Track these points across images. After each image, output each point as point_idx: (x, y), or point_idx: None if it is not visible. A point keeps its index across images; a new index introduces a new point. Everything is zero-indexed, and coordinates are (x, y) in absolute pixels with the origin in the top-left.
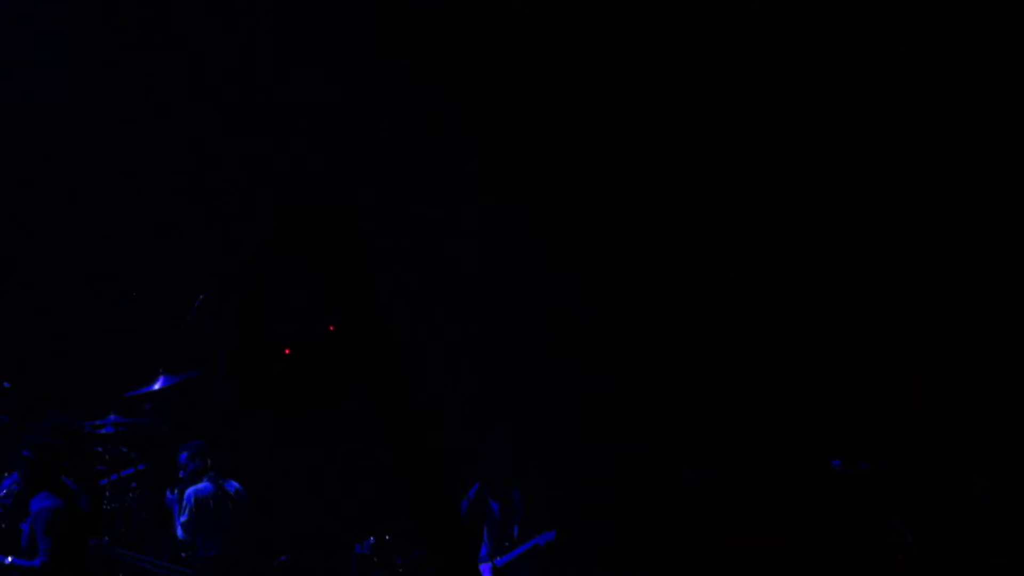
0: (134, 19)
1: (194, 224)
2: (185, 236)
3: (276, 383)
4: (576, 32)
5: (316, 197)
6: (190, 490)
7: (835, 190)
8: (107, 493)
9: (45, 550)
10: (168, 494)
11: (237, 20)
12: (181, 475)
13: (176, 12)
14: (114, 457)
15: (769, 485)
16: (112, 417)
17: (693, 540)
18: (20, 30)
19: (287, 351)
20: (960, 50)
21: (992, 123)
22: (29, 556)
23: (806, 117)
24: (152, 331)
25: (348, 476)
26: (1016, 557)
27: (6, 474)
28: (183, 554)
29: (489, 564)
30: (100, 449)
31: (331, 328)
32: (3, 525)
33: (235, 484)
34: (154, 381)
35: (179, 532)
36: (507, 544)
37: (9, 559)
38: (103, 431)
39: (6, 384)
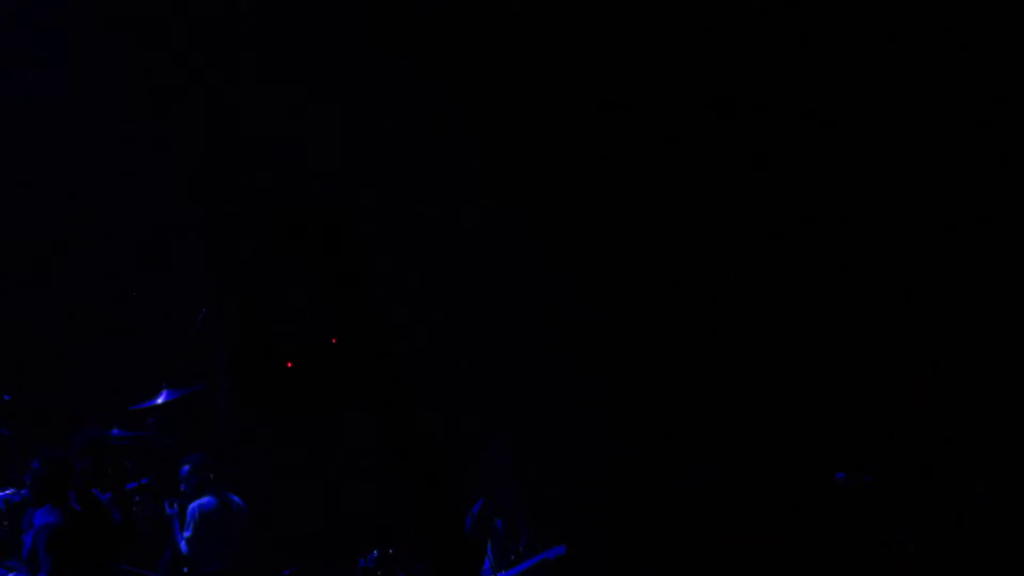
0: (134, 19)
1: (194, 225)
2: (185, 237)
3: (278, 390)
4: (576, 32)
5: (316, 197)
6: (194, 505)
7: (835, 190)
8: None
9: (47, 566)
10: (168, 508)
11: (237, 21)
12: (183, 488)
13: (175, 12)
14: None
15: (769, 486)
16: (115, 431)
17: (693, 540)
18: (20, 30)
19: (288, 364)
20: (960, 50)
21: (992, 123)
22: (30, 569)
23: (806, 117)
24: (155, 341)
25: (351, 490)
26: (1017, 558)
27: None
28: (184, 569)
29: None
30: (130, 464)
31: (333, 340)
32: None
33: (237, 498)
34: (157, 395)
35: (182, 547)
36: (512, 558)
37: (10, 574)
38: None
39: (6, 397)
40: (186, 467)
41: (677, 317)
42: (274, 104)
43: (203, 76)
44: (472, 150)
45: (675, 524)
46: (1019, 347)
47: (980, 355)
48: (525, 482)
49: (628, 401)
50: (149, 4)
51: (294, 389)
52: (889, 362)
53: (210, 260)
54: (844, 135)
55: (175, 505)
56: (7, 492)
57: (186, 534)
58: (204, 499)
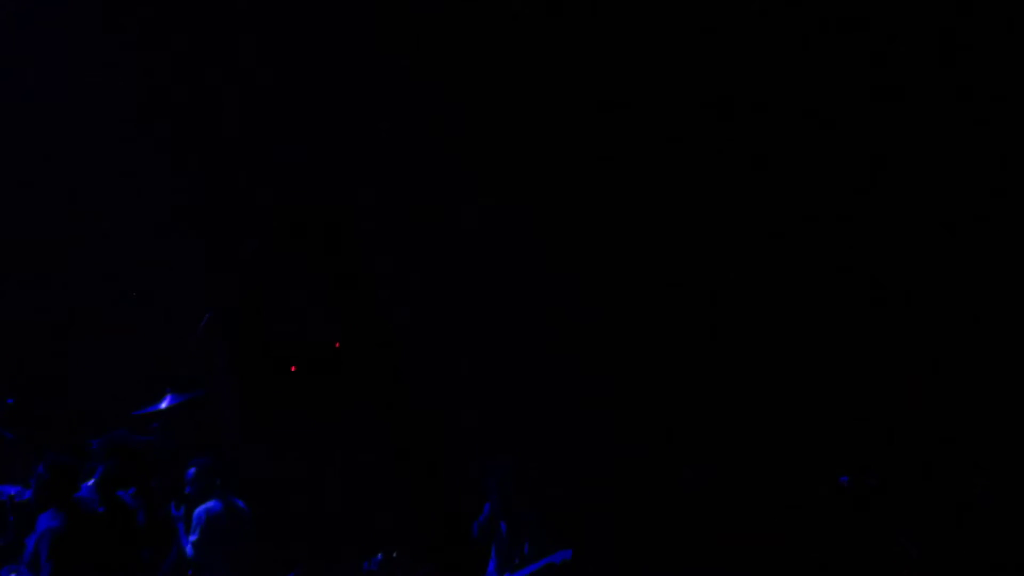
0: (134, 19)
1: (195, 225)
2: (185, 236)
3: (281, 394)
4: (576, 32)
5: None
6: (200, 509)
7: (835, 190)
8: None
9: (48, 572)
10: (173, 510)
11: (237, 20)
12: (188, 491)
13: (175, 12)
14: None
15: (770, 486)
16: (121, 433)
17: (693, 541)
18: (20, 30)
19: (292, 368)
20: (960, 50)
21: (992, 123)
22: (32, 573)
23: (806, 117)
24: (158, 345)
25: (355, 494)
26: (1018, 557)
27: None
28: (189, 572)
29: None
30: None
31: (336, 345)
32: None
33: (242, 503)
34: (161, 400)
35: (188, 551)
36: (516, 561)
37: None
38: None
39: (9, 400)
40: (192, 470)
41: (677, 317)
42: (275, 104)
43: (202, 76)
44: (472, 150)
45: (675, 524)
46: (1019, 347)
47: (980, 355)
48: (528, 484)
49: (628, 401)
50: (149, 4)
51: (297, 392)
52: (889, 362)
53: (211, 261)
54: (844, 135)
55: (180, 508)
56: (14, 489)
57: (192, 538)
58: (209, 503)
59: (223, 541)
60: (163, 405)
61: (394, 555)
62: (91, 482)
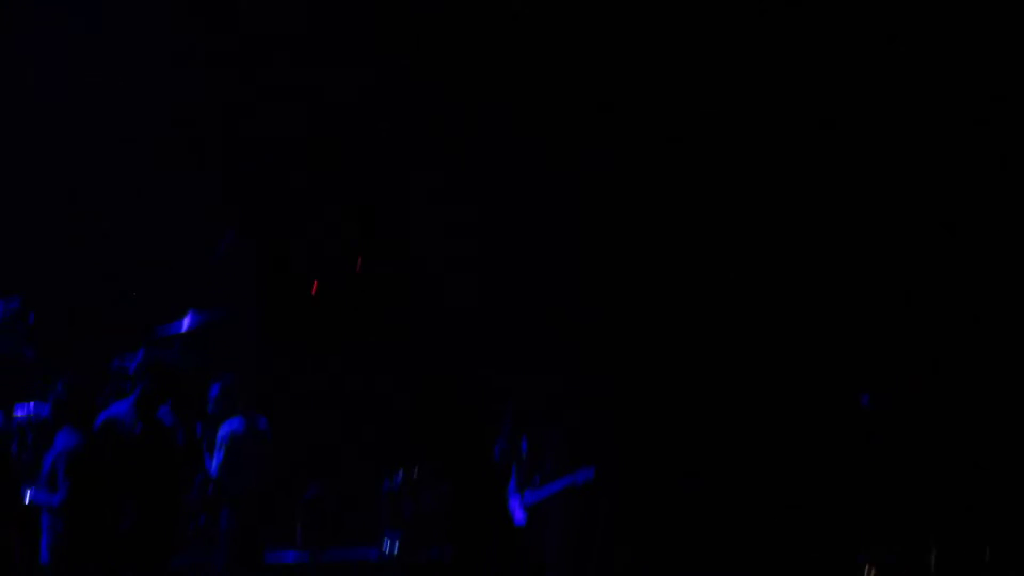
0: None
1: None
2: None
3: (305, 319)
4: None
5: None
6: (224, 427)
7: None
8: None
9: (66, 489)
10: (197, 430)
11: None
12: (211, 410)
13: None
14: None
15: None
16: (141, 353)
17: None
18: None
19: (314, 288)
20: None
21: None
22: (48, 491)
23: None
24: (181, 265)
25: (377, 413)
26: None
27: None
28: (210, 489)
29: (519, 499)
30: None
31: (357, 267)
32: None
33: (264, 421)
34: (183, 318)
35: (212, 469)
36: (537, 480)
37: (30, 493)
38: (133, 368)
39: (31, 318)
40: (216, 389)
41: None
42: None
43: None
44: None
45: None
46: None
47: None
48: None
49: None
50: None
51: (317, 311)
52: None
53: (231, 185)
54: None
55: (205, 427)
56: (31, 406)
57: (217, 457)
58: (232, 422)
59: (245, 459)
60: (184, 325)
61: (415, 474)
62: (129, 401)
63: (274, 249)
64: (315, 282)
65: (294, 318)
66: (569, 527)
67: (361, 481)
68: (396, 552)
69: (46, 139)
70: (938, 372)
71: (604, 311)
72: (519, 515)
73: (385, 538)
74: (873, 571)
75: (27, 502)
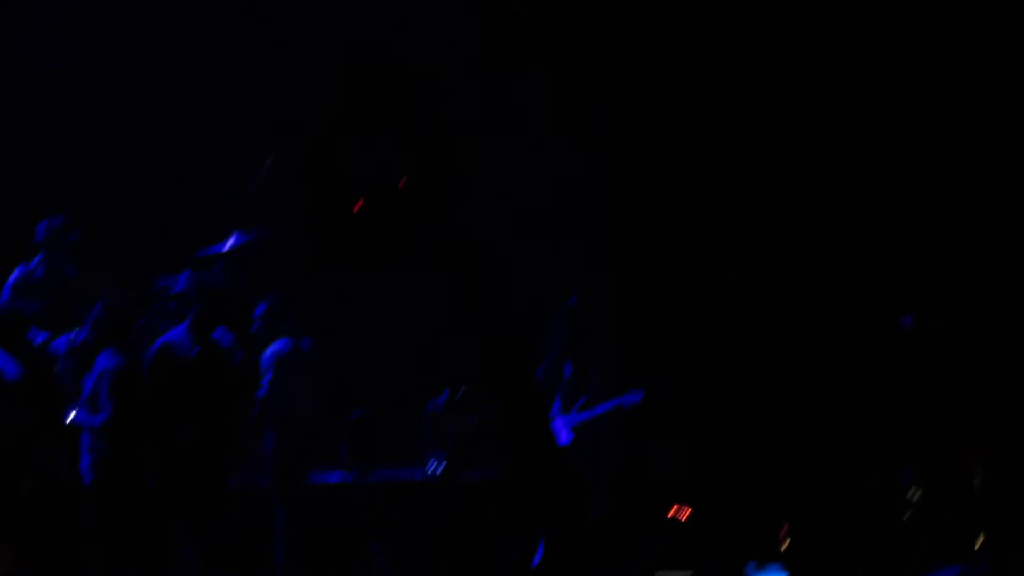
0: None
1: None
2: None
3: (349, 238)
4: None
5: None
6: (269, 350)
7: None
8: None
9: (109, 409)
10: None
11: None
12: (255, 329)
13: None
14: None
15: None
16: (186, 274)
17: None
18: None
19: (358, 205)
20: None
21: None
22: (91, 411)
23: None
24: (222, 187)
25: (421, 333)
26: None
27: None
28: (256, 410)
29: (563, 420)
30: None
31: (401, 184)
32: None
33: (308, 342)
34: (226, 240)
35: (258, 392)
36: (582, 403)
37: (72, 414)
38: (177, 289)
39: (72, 236)
40: (261, 308)
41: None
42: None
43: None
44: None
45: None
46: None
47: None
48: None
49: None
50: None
51: (362, 234)
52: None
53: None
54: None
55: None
56: (70, 334)
57: (265, 380)
58: (278, 343)
59: (290, 381)
60: (227, 246)
61: (459, 394)
62: (183, 327)
63: (317, 168)
64: (359, 200)
65: (338, 237)
66: (615, 448)
67: (406, 402)
68: (440, 473)
69: (92, 58)
70: (982, 291)
71: (648, 229)
72: (565, 436)
73: (430, 459)
74: (918, 492)
75: (68, 423)
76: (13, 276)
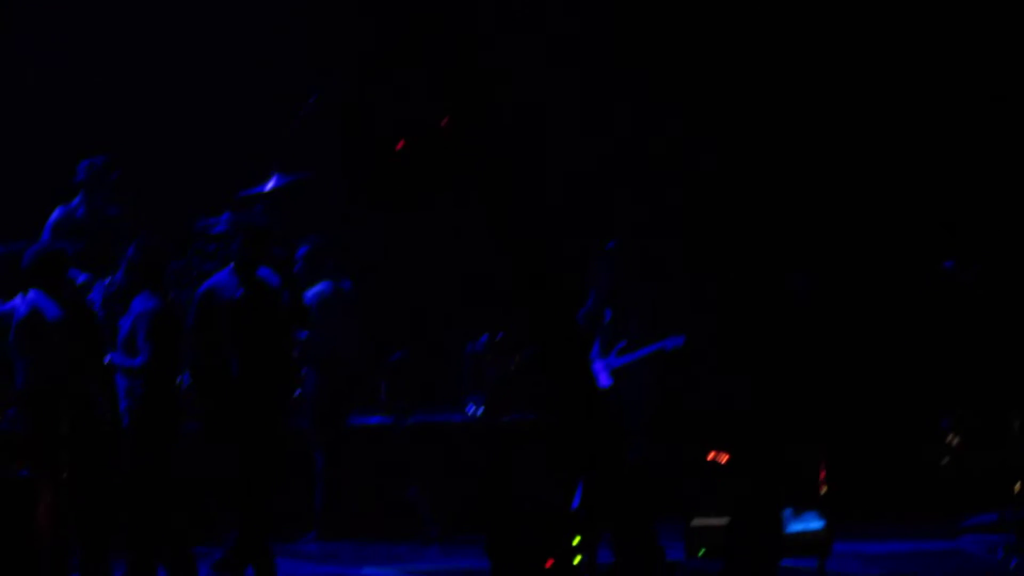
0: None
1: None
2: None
3: (389, 179)
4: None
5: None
6: (311, 291)
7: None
8: None
9: (147, 352)
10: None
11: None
12: (296, 271)
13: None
14: (227, 256)
15: None
16: (226, 215)
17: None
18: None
19: (399, 146)
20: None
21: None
22: (127, 355)
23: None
24: (263, 128)
25: (460, 276)
26: None
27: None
28: (296, 351)
29: (603, 363)
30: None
31: (443, 124)
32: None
33: (349, 283)
34: (267, 181)
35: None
36: (622, 346)
37: (110, 356)
38: (217, 229)
39: (113, 176)
40: (303, 249)
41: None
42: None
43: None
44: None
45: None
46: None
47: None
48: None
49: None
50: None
51: (403, 175)
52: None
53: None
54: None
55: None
56: (104, 281)
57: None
58: (320, 285)
59: (331, 323)
60: (268, 186)
61: (499, 337)
62: (228, 269)
63: (358, 108)
64: (400, 141)
65: (379, 179)
66: (655, 392)
67: (446, 345)
68: (480, 415)
69: None
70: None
71: (691, 171)
72: (604, 379)
73: (469, 402)
74: (956, 438)
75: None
76: (53, 216)
